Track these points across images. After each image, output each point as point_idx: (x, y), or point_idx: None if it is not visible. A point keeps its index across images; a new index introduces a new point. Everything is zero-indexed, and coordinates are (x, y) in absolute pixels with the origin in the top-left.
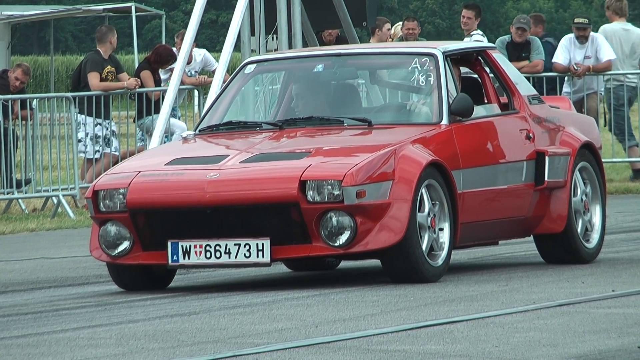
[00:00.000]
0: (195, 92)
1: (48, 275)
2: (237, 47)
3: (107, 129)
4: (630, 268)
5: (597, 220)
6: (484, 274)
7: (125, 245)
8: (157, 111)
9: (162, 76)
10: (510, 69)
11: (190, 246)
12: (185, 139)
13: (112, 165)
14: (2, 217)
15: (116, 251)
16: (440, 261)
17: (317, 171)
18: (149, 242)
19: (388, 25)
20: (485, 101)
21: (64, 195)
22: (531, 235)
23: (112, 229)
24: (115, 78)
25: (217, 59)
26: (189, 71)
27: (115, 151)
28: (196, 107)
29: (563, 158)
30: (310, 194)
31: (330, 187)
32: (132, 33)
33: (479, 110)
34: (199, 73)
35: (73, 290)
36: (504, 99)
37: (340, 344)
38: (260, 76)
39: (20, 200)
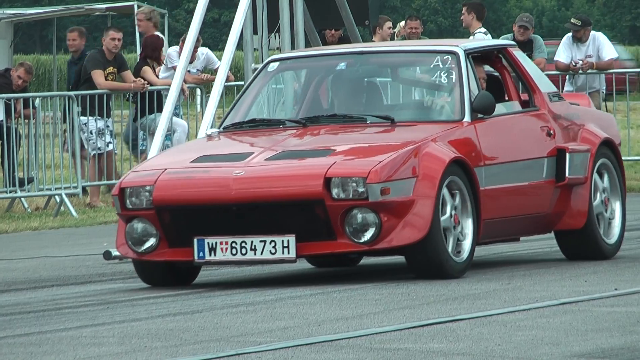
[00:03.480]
0: (198, 91)
1: (51, 274)
2: (240, 45)
3: (108, 127)
4: (633, 267)
5: (617, 216)
6: (487, 273)
7: (151, 242)
8: (157, 110)
9: (163, 74)
10: (530, 67)
11: (216, 243)
12: (209, 137)
13: (107, 165)
14: (5, 216)
15: (142, 248)
16: (463, 257)
17: (342, 168)
18: (175, 238)
19: (389, 24)
20: (506, 98)
21: (66, 194)
22: (552, 232)
23: (138, 225)
24: (116, 79)
25: (219, 58)
26: (190, 70)
27: (114, 150)
28: (198, 106)
29: (583, 155)
30: (335, 191)
31: (355, 184)
32: (134, 32)
33: (500, 108)
34: (201, 71)
35: (76, 288)
36: (524, 96)
37: (342, 343)
38: (281, 74)
39: (23, 199)
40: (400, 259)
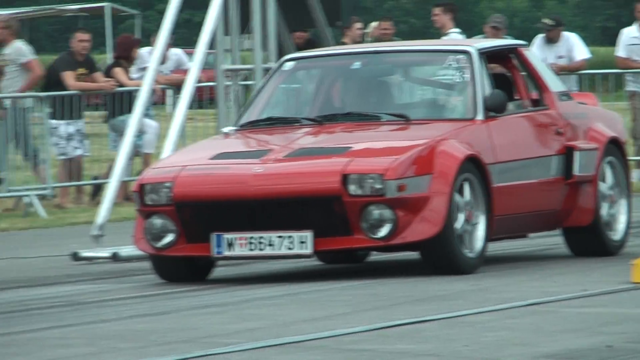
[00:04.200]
0: (169, 92)
1: (19, 275)
2: (212, 46)
3: (78, 129)
4: (602, 268)
5: (622, 213)
6: (454, 274)
7: (170, 237)
8: (129, 111)
9: (135, 75)
10: (540, 66)
11: (234, 238)
12: (226, 134)
13: (74, 167)
14: None
15: (161, 243)
16: (476, 253)
17: (359, 165)
18: (194, 234)
19: (359, 25)
20: (517, 97)
21: (36, 195)
22: (559, 229)
23: (157, 221)
24: (87, 80)
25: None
26: (162, 71)
27: (85, 152)
28: (169, 107)
29: (591, 153)
30: (352, 188)
31: (372, 180)
32: (105, 33)
33: (511, 107)
34: (172, 73)
35: (44, 290)
36: (534, 96)
37: (310, 344)
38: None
39: None
40: (378, 258)
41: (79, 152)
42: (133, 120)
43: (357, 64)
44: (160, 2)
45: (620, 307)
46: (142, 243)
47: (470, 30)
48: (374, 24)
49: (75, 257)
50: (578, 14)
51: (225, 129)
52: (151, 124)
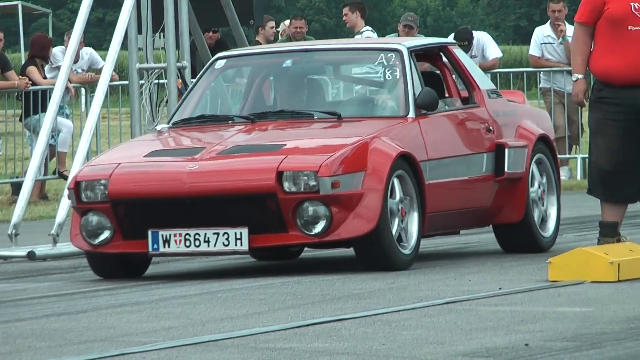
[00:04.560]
0: (82, 90)
1: None
2: (124, 45)
3: None
4: (517, 266)
5: (552, 210)
6: (371, 272)
7: (106, 234)
8: (44, 110)
9: (48, 74)
10: (469, 64)
11: (170, 235)
12: (159, 132)
13: None
14: None
15: (97, 240)
16: (410, 250)
17: (293, 162)
18: (130, 231)
19: (272, 24)
20: (447, 95)
21: None
22: (490, 225)
23: (93, 218)
24: (1, 77)
25: (103, 58)
26: (75, 69)
27: None
28: (83, 106)
29: (521, 150)
30: (286, 185)
31: (306, 177)
32: (19, 32)
33: (441, 104)
34: (85, 71)
35: None
36: (464, 93)
37: (227, 342)
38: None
39: None
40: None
41: None
42: (47, 119)
43: (288, 62)
44: (72, 1)
45: (536, 306)
46: (78, 240)
47: (383, 29)
48: (286, 23)
49: None
50: (490, 13)
51: (158, 127)
52: (66, 123)
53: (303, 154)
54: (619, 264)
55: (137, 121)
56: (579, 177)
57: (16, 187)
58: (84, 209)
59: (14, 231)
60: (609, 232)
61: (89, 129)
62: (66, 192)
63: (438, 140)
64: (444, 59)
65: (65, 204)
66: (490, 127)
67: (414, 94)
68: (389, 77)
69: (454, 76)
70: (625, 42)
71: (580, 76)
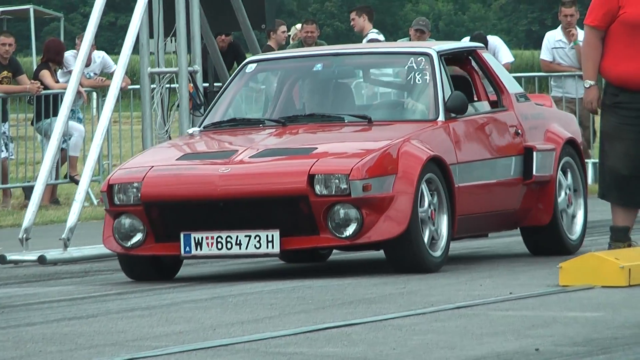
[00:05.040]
0: (94, 95)
1: None
2: (136, 49)
3: (3, 132)
4: (528, 271)
5: (579, 213)
6: (382, 277)
7: (138, 237)
8: (55, 114)
9: (61, 79)
10: (498, 68)
11: (202, 238)
12: (191, 135)
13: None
14: None
15: (130, 243)
16: (439, 252)
17: (324, 166)
18: (162, 234)
19: (283, 28)
20: (476, 99)
21: None
22: (518, 228)
23: (126, 221)
24: (11, 82)
25: (115, 62)
26: (87, 73)
27: (11, 155)
28: (94, 110)
29: (549, 153)
30: (318, 188)
31: (337, 180)
32: (30, 36)
33: (470, 108)
34: (98, 75)
35: None
36: (492, 97)
37: (238, 347)
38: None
39: None
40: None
41: (3, 155)
42: (58, 123)
43: (318, 66)
44: (84, 5)
45: (547, 310)
46: (110, 242)
47: (395, 33)
48: (297, 27)
49: (2, 260)
50: (502, 17)
51: (190, 130)
52: (77, 127)
53: (334, 157)
54: (629, 269)
55: (149, 125)
56: (590, 181)
57: (28, 191)
58: (117, 212)
59: (25, 235)
60: (620, 237)
61: (100, 133)
62: (78, 195)
63: (467, 144)
64: (473, 63)
65: (76, 209)
66: (519, 131)
67: (444, 98)
68: (419, 80)
69: (483, 80)
70: None
71: (592, 82)
